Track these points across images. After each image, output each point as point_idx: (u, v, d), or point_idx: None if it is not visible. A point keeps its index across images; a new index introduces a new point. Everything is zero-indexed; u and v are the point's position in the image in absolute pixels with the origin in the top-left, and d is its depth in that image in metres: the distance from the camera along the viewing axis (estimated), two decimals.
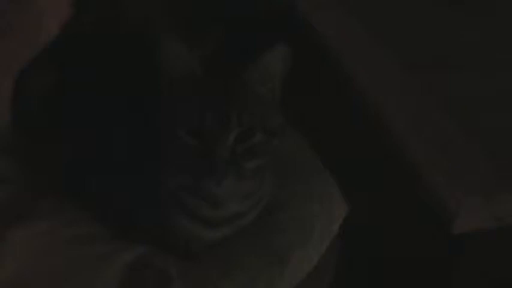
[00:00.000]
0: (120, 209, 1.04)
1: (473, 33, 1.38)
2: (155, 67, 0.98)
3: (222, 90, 0.95)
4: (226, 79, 0.97)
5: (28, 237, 1.04)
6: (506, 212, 1.04)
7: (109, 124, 1.07)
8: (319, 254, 1.09)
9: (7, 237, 1.03)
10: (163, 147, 0.98)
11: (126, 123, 1.06)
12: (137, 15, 1.24)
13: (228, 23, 1.38)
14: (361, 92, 1.23)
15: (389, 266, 1.24)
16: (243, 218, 1.03)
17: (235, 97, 0.95)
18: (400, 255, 1.20)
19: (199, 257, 1.04)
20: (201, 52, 1.21)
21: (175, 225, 1.01)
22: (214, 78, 0.96)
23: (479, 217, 1.03)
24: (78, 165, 1.08)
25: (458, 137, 1.12)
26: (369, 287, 1.30)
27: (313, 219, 1.11)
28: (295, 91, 1.04)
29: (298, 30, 1.40)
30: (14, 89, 1.17)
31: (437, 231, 1.06)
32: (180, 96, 0.96)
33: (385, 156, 1.18)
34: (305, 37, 1.38)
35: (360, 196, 1.20)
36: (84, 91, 1.10)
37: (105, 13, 1.21)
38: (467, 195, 1.03)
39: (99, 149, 1.07)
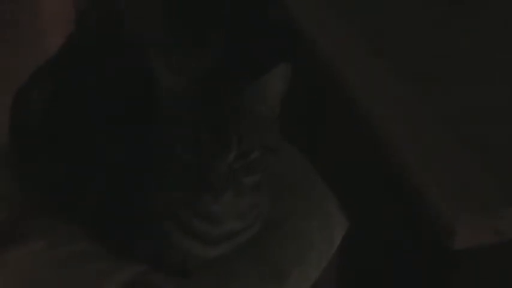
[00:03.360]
0: (116, 226, 1.04)
1: (474, 36, 1.36)
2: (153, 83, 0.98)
3: (223, 110, 0.94)
4: (227, 98, 0.96)
5: (24, 255, 1.04)
6: (507, 226, 1.03)
7: (106, 139, 1.06)
8: (318, 270, 1.09)
9: (2, 256, 1.03)
10: (160, 164, 0.98)
11: (124, 138, 1.05)
12: (138, 28, 1.23)
13: (228, 33, 1.37)
14: (357, 103, 1.22)
15: (388, 280, 1.23)
16: (240, 235, 1.03)
17: (236, 119, 0.94)
18: (399, 270, 1.19)
19: (196, 274, 1.03)
20: (201, 62, 1.20)
21: (173, 243, 1.01)
22: (214, 96, 0.96)
23: (479, 232, 1.02)
24: (74, 181, 1.08)
25: (456, 150, 1.10)
26: None
27: (312, 236, 1.10)
28: (293, 103, 1.03)
29: (296, 40, 1.39)
30: (12, 104, 1.17)
31: (436, 246, 1.05)
32: (179, 114, 0.95)
33: (382, 169, 1.17)
34: (302, 46, 1.37)
35: (357, 211, 1.19)
36: (81, 105, 1.10)
37: (105, 26, 1.20)
38: (466, 210, 1.02)
39: (95, 165, 1.06)
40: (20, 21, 1.29)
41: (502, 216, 1.03)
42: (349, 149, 1.29)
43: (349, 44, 1.35)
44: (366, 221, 1.22)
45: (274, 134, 0.99)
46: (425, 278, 1.12)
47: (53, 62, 1.18)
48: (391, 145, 1.13)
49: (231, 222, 1.00)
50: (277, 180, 1.04)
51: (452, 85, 1.24)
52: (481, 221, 1.03)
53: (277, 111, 0.99)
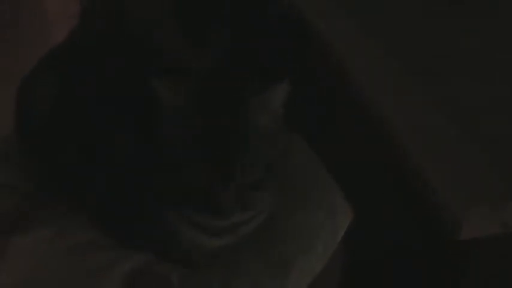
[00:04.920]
0: (123, 218, 1.04)
1: (473, 35, 1.36)
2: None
3: (225, 135, 0.94)
4: (228, 118, 0.95)
5: (29, 245, 1.04)
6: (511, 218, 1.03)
7: (112, 133, 1.05)
8: (322, 262, 1.08)
9: (8, 245, 1.03)
10: (165, 169, 0.98)
11: (129, 132, 1.04)
12: (140, 27, 1.22)
13: (228, 33, 1.37)
14: (363, 97, 1.21)
15: (395, 272, 1.23)
16: (245, 226, 1.03)
17: (238, 145, 0.95)
18: (406, 262, 1.19)
19: (201, 265, 1.03)
20: (201, 62, 1.20)
21: (178, 234, 1.01)
22: (215, 116, 0.95)
23: (485, 223, 1.02)
24: (81, 173, 1.07)
25: (463, 143, 1.11)
26: None
27: (317, 227, 1.09)
28: (297, 95, 1.03)
29: (299, 34, 1.39)
30: (17, 98, 1.16)
31: (443, 238, 1.04)
32: (181, 138, 0.95)
33: (389, 163, 1.17)
34: (306, 40, 1.37)
35: (363, 203, 1.18)
36: (88, 101, 1.09)
37: (110, 22, 1.20)
38: (473, 202, 1.02)
39: (102, 158, 1.06)
40: (20, 21, 1.29)
41: (509, 209, 1.02)
42: (357, 144, 1.29)
43: (351, 40, 1.35)
44: (370, 214, 1.21)
45: (278, 144, 1.00)
46: (431, 270, 1.12)
47: (53, 58, 1.17)
48: (396, 139, 1.13)
49: (235, 216, 1.00)
50: (283, 172, 1.04)
51: (454, 82, 1.25)
52: (488, 213, 1.03)
53: (280, 122, 1.00)
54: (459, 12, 1.44)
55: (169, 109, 0.96)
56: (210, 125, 0.94)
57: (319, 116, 1.39)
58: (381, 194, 1.22)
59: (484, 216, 1.02)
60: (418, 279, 1.17)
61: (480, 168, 1.06)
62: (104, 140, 1.06)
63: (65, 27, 1.21)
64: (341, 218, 1.13)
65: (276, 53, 1.38)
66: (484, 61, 1.31)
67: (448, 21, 1.42)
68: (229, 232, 1.01)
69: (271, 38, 1.40)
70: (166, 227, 1.00)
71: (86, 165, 1.06)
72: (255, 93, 0.97)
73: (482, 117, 1.15)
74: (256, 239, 1.04)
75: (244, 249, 1.04)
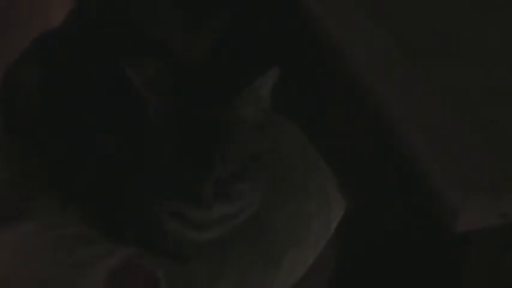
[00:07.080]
0: (109, 211, 1.02)
1: (478, 22, 1.33)
2: None
3: (207, 125, 0.93)
4: (213, 109, 0.94)
5: (13, 238, 1.03)
6: (511, 208, 1.00)
7: (99, 124, 1.05)
8: (315, 253, 1.07)
9: None
10: (151, 162, 0.97)
11: (116, 124, 1.04)
12: (138, 12, 1.21)
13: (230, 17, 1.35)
14: (361, 84, 1.19)
15: (392, 264, 1.21)
16: (234, 218, 1.01)
17: (220, 134, 0.93)
18: (403, 254, 1.17)
19: (190, 258, 1.01)
20: (199, 48, 1.18)
21: (165, 228, 0.99)
22: (199, 106, 0.94)
23: (483, 214, 1.00)
24: (67, 164, 1.07)
25: (461, 132, 1.08)
26: (370, 286, 1.27)
27: (310, 218, 1.08)
28: (292, 82, 1.02)
29: (298, 19, 1.37)
30: (2, 86, 1.15)
31: (440, 229, 1.02)
32: (164, 127, 0.95)
33: (385, 153, 1.15)
34: (304, 25, 1.35)
35: (359, 193, 1.17)
36: (74, 89, 1.08)
37: (103, 10, 1.19)
38: (471, 192, 0.99)
39: (88, 149, 1.05)
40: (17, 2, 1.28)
41: (508, 199, 1.00)
42: (354, 133, 1.27)
43: (356, 25, 1.32)
44: (369, 208, 1.20)
45: (265, 137, 0.98)
46: (428, 263, 1.11)
47: (42, 45, 1.16)
48: (395, 128, 1.11)
49: (222, 208, 0.98)
50: (276, 160, 1.03)
51: (455, 70, 1.22)
52: (487, 203, 1.00)
53: (268, 114, 0.98)
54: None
55: (147, 97, 0.94)
56: (190, 115, 0.93)
57: (316, 105, 1.38)
58: (376, 185, 1.20)
59: (483, 206, 1.00)
60: (415, 273, 1.15)
61: (478, 158, 1.04)
62: (89, 131, 1.05)
63: (63, 12, 1.20)
64: (335, 209, 1.11)
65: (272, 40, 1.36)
66: (488, 49, 1.28)
67: (451, 8, 1.39)
68: (216, 225, 0.99)
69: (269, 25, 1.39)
70: (152, 221, 0.99)
71: (72, 156, 1.05)
72: (243, 83, 0.95)
73: (482, 105, 1.13)
74: (246, 231, 1.03)
75: (234, 241, 1.02)
